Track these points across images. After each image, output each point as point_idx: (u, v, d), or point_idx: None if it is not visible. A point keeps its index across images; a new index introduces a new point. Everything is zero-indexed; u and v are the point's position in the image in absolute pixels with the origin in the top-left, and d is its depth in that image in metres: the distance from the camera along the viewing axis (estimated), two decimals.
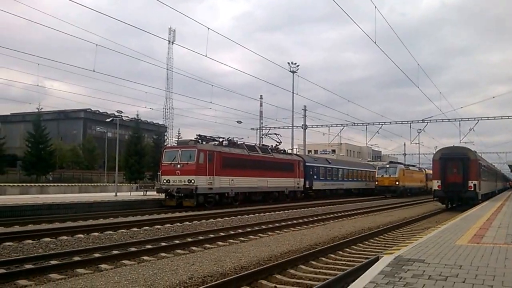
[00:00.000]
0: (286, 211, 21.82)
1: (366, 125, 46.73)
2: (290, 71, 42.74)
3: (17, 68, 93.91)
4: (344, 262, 8.90)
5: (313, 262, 8.66)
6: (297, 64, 43.19)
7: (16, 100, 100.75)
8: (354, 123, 47.34)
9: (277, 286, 6.89)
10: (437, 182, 23.76)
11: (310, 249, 9.85)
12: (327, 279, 7.03)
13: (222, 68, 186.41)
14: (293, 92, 42.60)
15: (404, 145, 75.61)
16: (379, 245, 11.42)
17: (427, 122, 44.68)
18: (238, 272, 7.51)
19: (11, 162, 55.00)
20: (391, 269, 5.52)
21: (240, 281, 6.75)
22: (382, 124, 46.23)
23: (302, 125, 46.88)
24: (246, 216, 18.72)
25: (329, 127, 48.27)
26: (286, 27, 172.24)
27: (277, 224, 15.49)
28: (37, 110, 54.23)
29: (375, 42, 22.63)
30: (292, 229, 14.52)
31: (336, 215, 19.97)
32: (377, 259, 6.67)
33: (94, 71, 25.20)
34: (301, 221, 16.88)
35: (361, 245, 11.15)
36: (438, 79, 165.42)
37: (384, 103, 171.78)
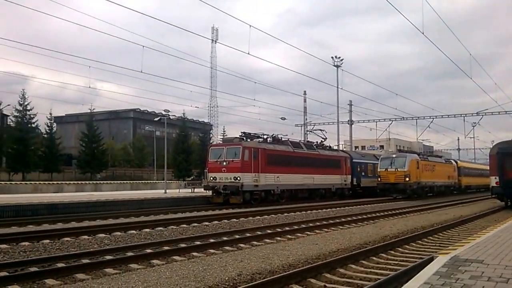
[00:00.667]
0: (334, 209, 21.52)
1: (416, 119, 45.12)
2: (334, 66, 42.12)
3: (70, 71, 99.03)
4: (396, 262, 8.62)
5: (364, 262, 8.46)
6: (341, 58, 42.49)
7: (70, 101, 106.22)
8: (403, 117, 45.87)
9: (327, 285, 6.78)
10: (495, 178, 22.56)
11: (360, 248, 9.63)
12: (379, 279, 6.84)
13: (265, 65, 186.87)
14: (337, 87, 42.01)
15: (458, 139, 72.58)
16: (434, 244, 10.97)
17: (482, 115, 42.52)
18: (286, 270, 7.46)
19: (67, 161, 58.11)
20: (447, 269, 5.30)
21: (289, 279, 6.69)
22: (433, 118, 44.49)
23: (348, 120, 46.05)
24: (293, 213, 18.64)
25: (376, 122, 46.94)
26: (328, 21, 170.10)
27: (325, 222, 15.29)
28: (89, 111, 56.89)
29: (423, 33, 21.81)
30: (340, 227, 14.29)
31: (386, 213, 19.45)
32: (431, 259, 6.43)
33: (141, 72, 25.77)
34: (349, 219, 16.58)
35: (414, 244, 10.76)
36: (493, 70, 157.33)
37: (435, 95, 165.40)
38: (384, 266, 8.27)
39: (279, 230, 13.02)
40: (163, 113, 38.60)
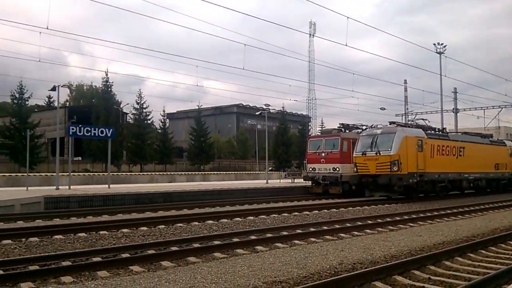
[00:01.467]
0: (439, 200, 20.37)
1: None
2: (437, 52, 39.62)
3: (180, 71, 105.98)
4: (507, 256, 8.06)
5: (471, 255, 8.05)
6: (444, 45, 39.89)
7: (180, 99, 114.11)
8: None
9: (431, 277, 6.62)
10: None
11: (467, 241, 9.15)
12: (488, 273, 6.51)
13: (363, 56, 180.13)
14: (440, 74, 39.43)
15: None
16: None
17: None
18: (389, 261, 7.38)
19: (178, 153, 63.09)
20: None
21: (391, 270, 6.61)
22: None
23: (453, 108, 43.04)
24: (394, 205, 18.10)
25: (484, 109, 43.81)
26: (428, 8, 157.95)
27: (429, 214, 14.65)
28: (197, 107, 61.18)
29: None
30: (446, 219, 13.58)
31: (496, 204, 17.92)
32: None
33: (243, 69, 27.39)
34: (455, 211, 15.63)
35: None
36: None
37: None
38: (494, 260, 7.79)
39: (380, 221, 12.83)
40: (264, 107, 39.87)
